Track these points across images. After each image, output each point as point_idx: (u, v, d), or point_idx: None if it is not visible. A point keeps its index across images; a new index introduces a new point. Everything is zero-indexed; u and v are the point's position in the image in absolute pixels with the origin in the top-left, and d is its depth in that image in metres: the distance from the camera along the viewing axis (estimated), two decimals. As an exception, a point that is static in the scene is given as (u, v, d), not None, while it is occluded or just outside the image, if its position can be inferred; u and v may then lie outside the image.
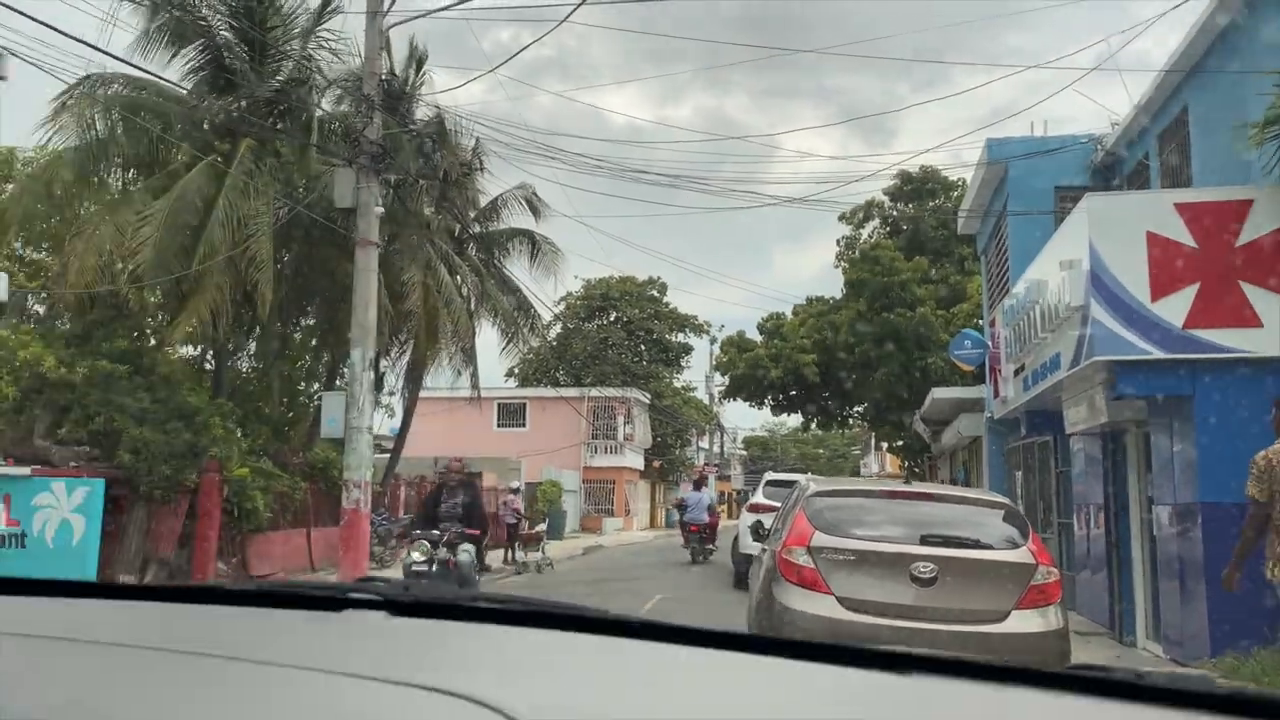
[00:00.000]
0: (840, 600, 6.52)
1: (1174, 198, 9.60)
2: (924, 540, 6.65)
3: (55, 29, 10.05)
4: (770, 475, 17.72)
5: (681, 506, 25.44)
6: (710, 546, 22.49)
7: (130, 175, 16.04)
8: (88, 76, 15.12)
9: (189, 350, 17.82)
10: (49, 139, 14.37)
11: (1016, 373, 13.77)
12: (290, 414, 18.89)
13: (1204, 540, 8.79)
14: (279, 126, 16.66)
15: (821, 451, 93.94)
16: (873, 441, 72.76)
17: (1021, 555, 6.68)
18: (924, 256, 27.58)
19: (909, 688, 1.28)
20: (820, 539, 6.71)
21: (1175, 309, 9.02)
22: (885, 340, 25.79)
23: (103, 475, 13.35)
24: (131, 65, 13.78)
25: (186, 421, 14.72)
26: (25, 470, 12.88)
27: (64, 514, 12.73)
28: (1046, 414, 13.38)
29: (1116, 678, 1.24)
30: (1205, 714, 1.16)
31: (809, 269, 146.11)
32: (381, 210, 15.12)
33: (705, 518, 22.47)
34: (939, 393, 19.50)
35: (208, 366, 18.03)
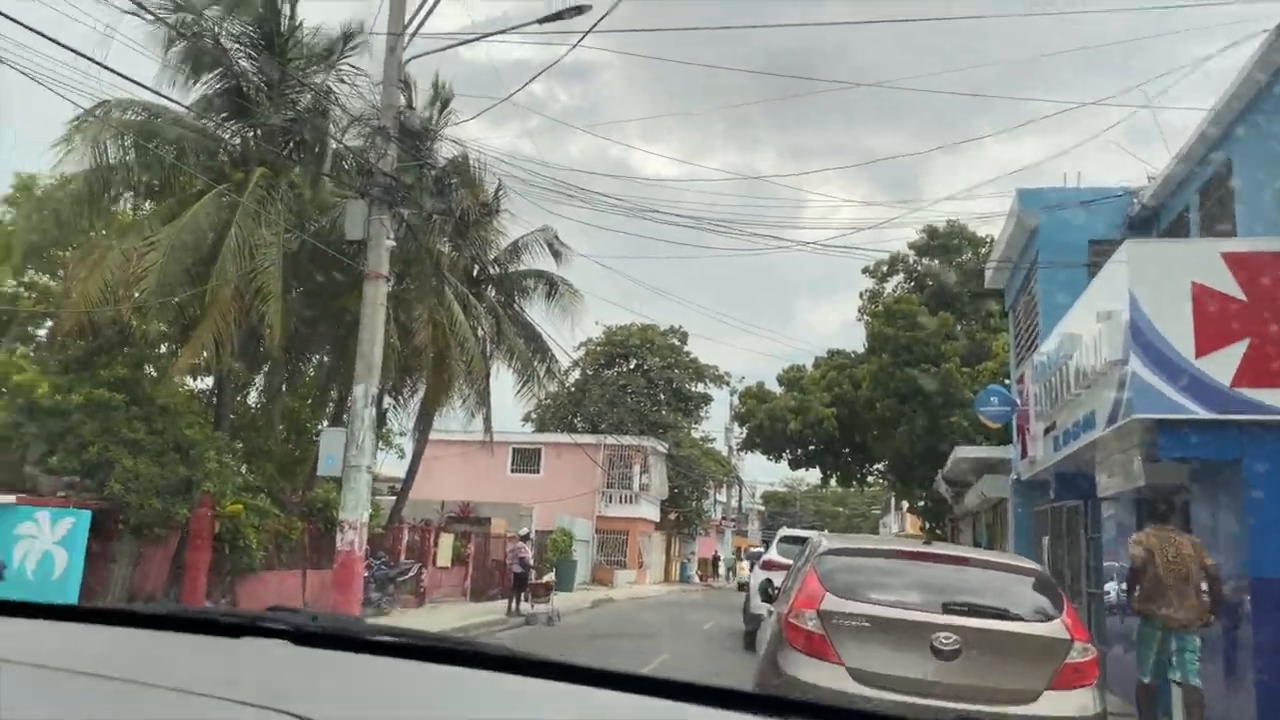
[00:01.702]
0: (851, 672, 5.89)
1: (1222, 246, 9.03)
2: (947, 608, 6.02)
3: (79, 53, 9.80)
4: (785, 531, 16.98)
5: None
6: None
7: (142, 201, 15.76)
8: (104, 101, 14.95)
9: (196, 383, 17.44)
10: (60, 161, 14.10)
11: (1046, 431, 13.11)
12: (297, 451, 18.39)
13: (1254, 619, 8.07)
14: (294, 156, 16.42)
15: (841, 510, 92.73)
16: (892, 501, 71.62)
17: (1055, 629, 6.03)
18: (949, 312, 26.97)
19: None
20: (831, 602, 6.09)
21: (1222, 365, 8.40)
22: (908, 397, 25.11)
23: (90, 506, 12.89)
24: (148, 89, 13.57)
25: (182, 455, 14.30)
26: (10, 498, 12.42)
27: (46, 545, 12.26)
28: (1078, 476, 12.69)
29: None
30: None
31: (831, 324, 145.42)
32: (393, 243, 14.79)
33: None
34: (962, 452, 18.79)
35: (215, 400, 17.62)
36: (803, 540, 16.75)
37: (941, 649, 5.79)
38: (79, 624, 1.82)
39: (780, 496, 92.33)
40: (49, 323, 15.32)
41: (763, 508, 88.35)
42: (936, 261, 29.53)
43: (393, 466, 32.62)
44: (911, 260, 30.19)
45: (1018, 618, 6.15)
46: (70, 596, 12.20)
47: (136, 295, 13.92)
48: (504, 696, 1.49)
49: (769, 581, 8.68)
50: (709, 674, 13.25)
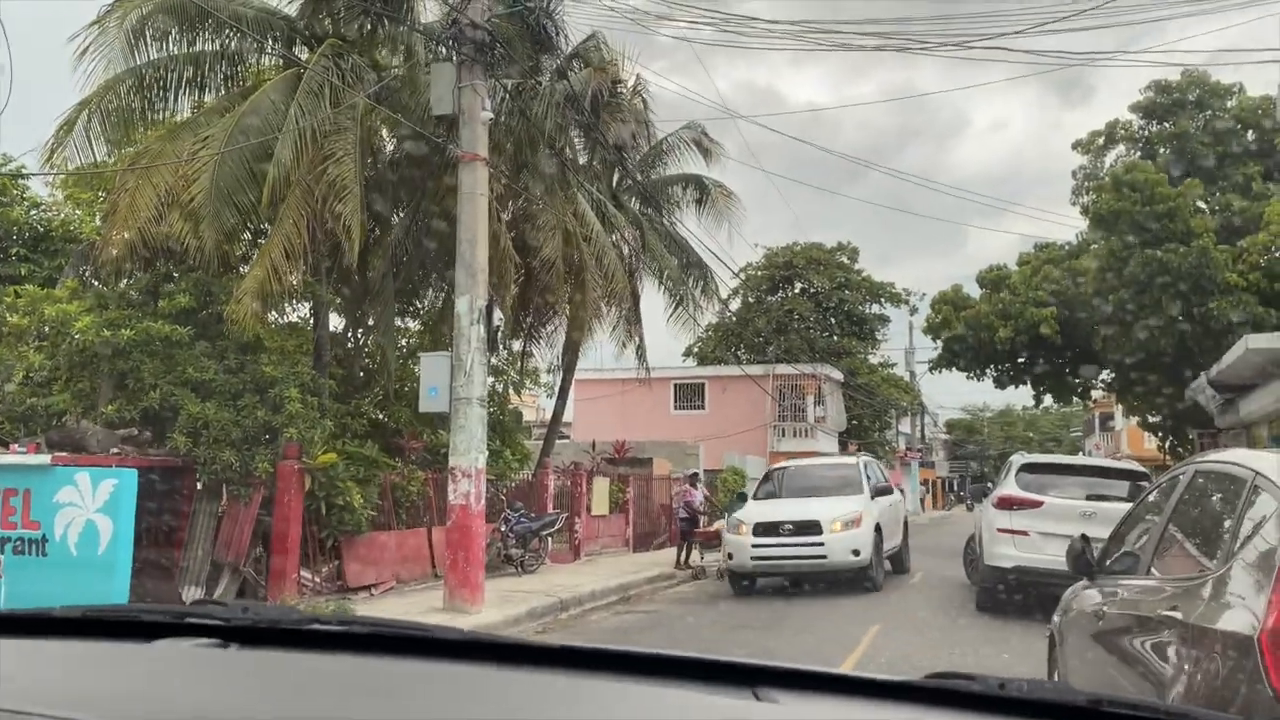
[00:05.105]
0: None
1: None
2: None
3: None
4: (1023, 458, 13.05)
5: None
6: None
7: (199, 98, 13.12)
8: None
9: (290, 312, 14.89)
10: (82, 49, 11.53)
11: None
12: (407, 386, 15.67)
13: None
14: (375, 26, 13.46)
15: (1031, 435, 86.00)
16: (1096, 420, 64.97)
17: None
18: (1194, 179, 21.81)
19: (769, 711, 1.24)
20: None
21: None
22: (1149, 285, 20.30)
23: (142, 464, 10.43)
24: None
25: (263, 396, 11.70)
26: (44, 458, 10.07)
27: (88, 514, 9.84)
28: None
29: (977, 690, 1.28)
30: None
31: (1006, 242, 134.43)
32: (489, 115, 11.62)
33: None
34: (1256, 341, 14.23)
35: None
36: (1053, 469, 12.75)
37: None
38: None
39: (964, 424, 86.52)
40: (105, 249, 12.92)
41: (947, 436, 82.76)
42: (1169, 125, 24.23)
43: (545, 408, 30.21)
44: (1136, 126, 24.97)
45: None
46: (120, 573, 9.77)
47: (188, 201, 11.30)
48: (457, 687, 1.35)
49: (1085, 540, 4.98)
50: (944, 649, 9.67)
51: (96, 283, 12.94)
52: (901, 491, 20.81)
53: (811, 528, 13.81)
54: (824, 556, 13.73)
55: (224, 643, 1.45)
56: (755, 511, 14.73)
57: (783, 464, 17.47)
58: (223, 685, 1.33)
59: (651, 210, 22.76)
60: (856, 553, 13.71)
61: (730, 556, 14.45)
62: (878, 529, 14.32)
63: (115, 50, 11.86)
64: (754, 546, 13.96)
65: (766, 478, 16.98)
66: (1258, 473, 3.31)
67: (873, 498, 14.88)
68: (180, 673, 1.37)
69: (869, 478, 15.50)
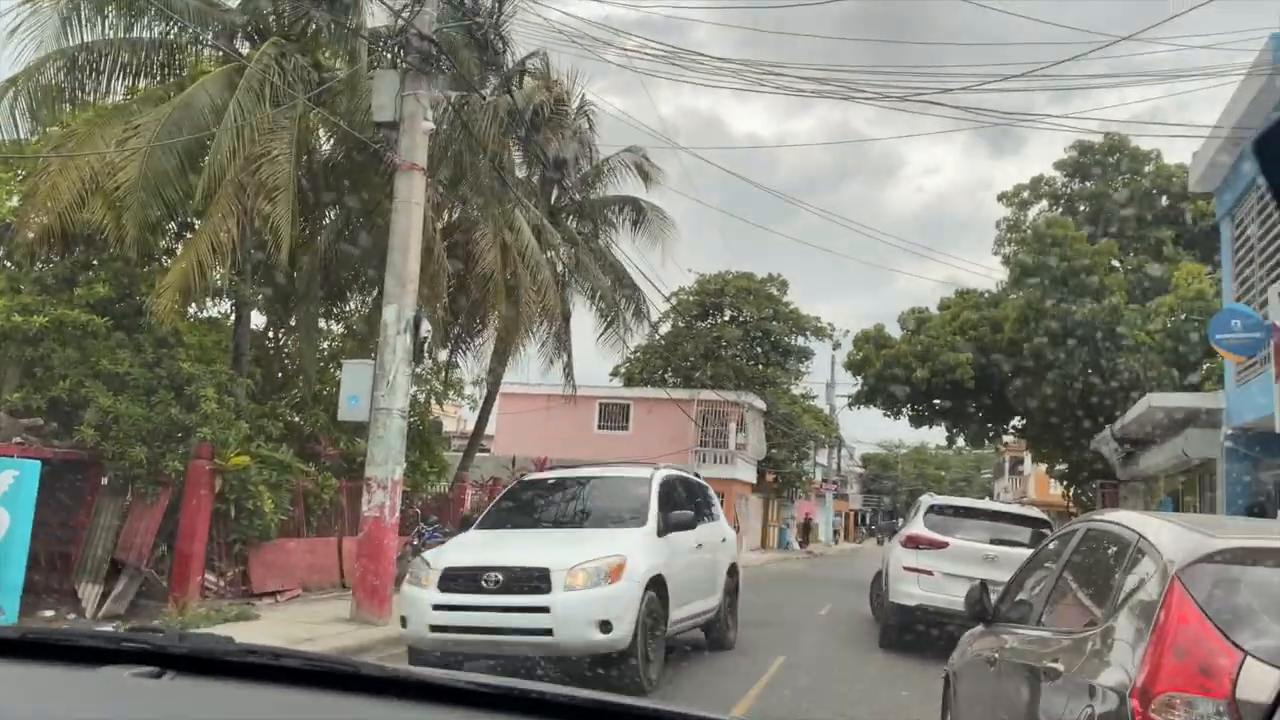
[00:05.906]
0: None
1: None
2: None
3: None
4: (932, 499, 13.33)
5: None
6: None
7: (130, 82, 12.83)
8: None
9: (214, 307, 14.57)
10: (12, 27, 11.21)
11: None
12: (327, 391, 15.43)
13: None
14: (320, 28, 13.32)
15: (943, 474, 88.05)
16: (1006, 464, 66.62)
17: None
18: (1110, 239, 22.72)
19: None
20: (1259, 676, 2.62)
21: None
22: (1061, 337, 21.05)
23: (47, 456, 10.10)
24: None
25: (178, 393, 11.44)
26: (-60, 444, 9.72)
27: (-16, 505, 9.49)
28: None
29: None
30: None
31: (927, 285, 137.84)
32: (430, 126, 11.60)
33: None
34: (1158, 400, 14.84)
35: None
36: (965, 513, 13.04)
37: None
38: None
39: (879, 459, 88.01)
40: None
41: (862, 470, 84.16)
42: (1089, 184, 25.19)
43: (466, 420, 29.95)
44: (1059, 183, 25.91)
45: None
46: (14, 567, 9.40)
47: (114, 189, 11.04)
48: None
49: (984, 586, 5.17)
50: (848, 687, 9.85)
51: (10, 265, 12.56)
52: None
53: (533, 581, 8.22)
54: (548, 631, 8.03)
55: (160, 670, 1.48)
56: (455, 551, 9.12)
57: (541, 474, 12.37)
58: (158, 715, 1.36)
59: (588, 230, 22.89)
60: (606, 626, 8.02)
61: (404, 622, 8.65)
62: (659, 585, 8.73)
63: (48, 31, 11.58)
64: (436, 609, 8.27)
65: (507, 495, 10.80)
66: (1141, 535, 3.50)
67: (663, 533, 9.32)
68: (120, 702, 1.40)
69: (662, 501, 9.61)
